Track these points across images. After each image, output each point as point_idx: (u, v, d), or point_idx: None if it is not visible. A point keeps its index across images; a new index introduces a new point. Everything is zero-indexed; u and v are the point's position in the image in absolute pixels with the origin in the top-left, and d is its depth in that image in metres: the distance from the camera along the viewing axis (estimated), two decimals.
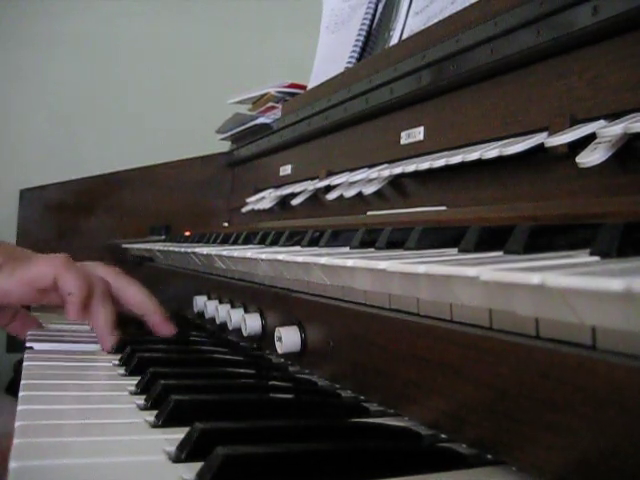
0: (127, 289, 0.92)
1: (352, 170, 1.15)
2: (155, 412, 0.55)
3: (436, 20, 0.99)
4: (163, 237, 1.70)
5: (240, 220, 1.74)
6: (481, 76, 0.85)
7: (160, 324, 0.92)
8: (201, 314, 1.03)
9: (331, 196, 1.15)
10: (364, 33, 1.35)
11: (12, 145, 2.34)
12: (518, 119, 0.79)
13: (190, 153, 1.94)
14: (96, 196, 1.91)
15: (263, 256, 0.72)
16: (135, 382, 0.67)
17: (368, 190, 1.04)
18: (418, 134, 0.98)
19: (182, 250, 1.11)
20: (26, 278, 0.84)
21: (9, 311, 0.96)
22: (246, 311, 0.88)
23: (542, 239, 0.47)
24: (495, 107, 0.83)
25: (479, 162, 0.79)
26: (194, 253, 1.04)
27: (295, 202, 1.30)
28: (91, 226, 1.88)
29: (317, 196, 1.27)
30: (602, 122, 0.66)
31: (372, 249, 0.65)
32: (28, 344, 0.86)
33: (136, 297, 0.92)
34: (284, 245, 0.84)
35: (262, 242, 0.93)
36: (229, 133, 1.78)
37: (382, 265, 0.49)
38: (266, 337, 0.82)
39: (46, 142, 2.36)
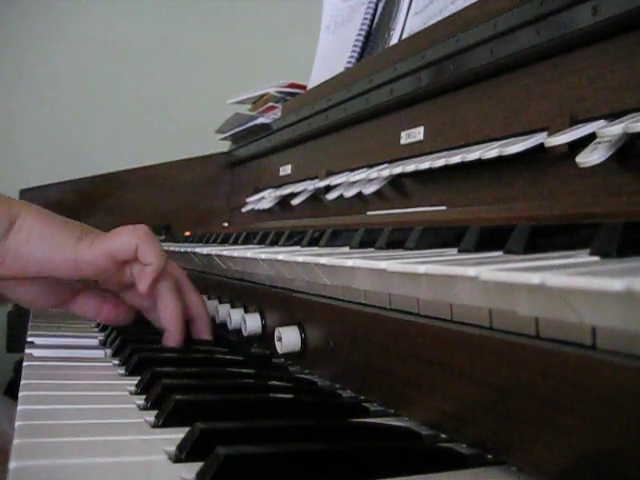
0: (190, 289, 0.89)
1: (352, 170, 1.15)
2: (155, 412, 0.55)
3: (436, 20, 0.99)
4: (163, 237, 1.70)
5: (240, 220, 1.74)
6: (481, 76, 0.85)
7: (206, 331, 0.90)
8: None
9: (331, 196, 1.15)
10: (364, 33, 1.35)
11: (12, 145, 2.34)
12: (518, 119, 0.79)
13: (190, 153, 1.94)
14: (96, 196, 1.91)
15: (263, 256, 0.72)
16: (135, 382, 0.67)
17: (368, 190, 1.04)
18: (418, 134, 0.98)
19: (182, 250, 1.11)
20: (107, 248, 0.80)
21: (94, 298, 0.89)
22: (246, 311, 0.88)
23: (542, 239, 0.47)
24: (495, 107, 0.83)
25: (479, 162, 0.79)
26: (194, 253, 1.04)
27: (295, 202, 1.30)
28: (91, 226, 1.88)
29: (317, 196, 1.27)
30: (602, 122, 0.66)
31: (372, 249, 0.65)
32: (27, 350, 0.85)
33: (196, 299, 0.89)
34: (284, 245, 0.84)
35: (262, 242, 0.93)
36: (229, 133, 1.78)
37: (382, 265, 0.49)
38: (266, 337, 0.82)
39: (46, 142, 2.36)
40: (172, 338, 0.85)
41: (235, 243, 1.04)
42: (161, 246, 0.84)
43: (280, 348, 0.71)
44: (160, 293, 0.84)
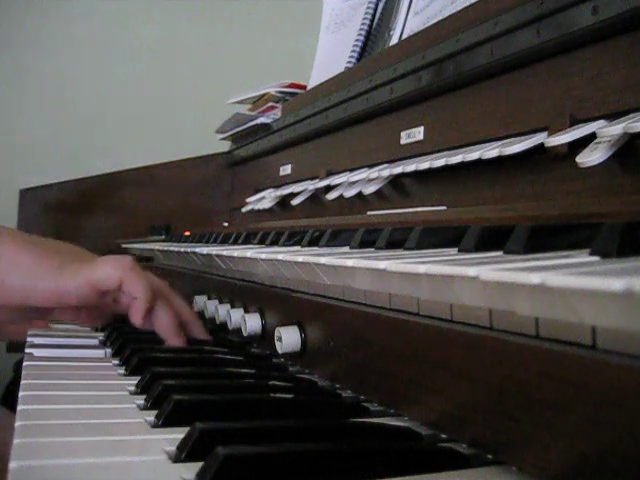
0: (174, 296, 0.91)
1: (352, 170, 1.15)
2: (155, 412, 0.55)
3: (436, 20, 0.99)
4: (163, 237, 1.70)
5: (240, 220, 1.74)
6: (481, 76, 0.85)
7: (201, 334, 0.91)
8: (201, 314, 1.03)
9: (331, 196, 1.15)
10: (364, 33, 1.35)
11: (12, 145, 2.34)
12: (518, 119, 0.79)
13: (190, 153, 1.93)
14: (96, 196, 1.91)
15: (263, 256, 0.72)
16: (135, 382, 0.67)
17: (368, 190, 1.04)
18: (418, 134, 0.98)
19: (182, 250, 1.11)
20: (92, 279, 0.81)
21: (69, 308, 0.90)
22: (246, 311, 0.88)
23: (542, 239, 0.47)
24: (495, 107, 0.83)
25: (479, 162, 0.79)
26: (194, 253, 1.04)
27: (295, 202, 1.30)
28: (91, 226, 1.88)
29: (317, 196, 1.27)
30: (602, 122, 0.66)
31: (372, 249, 0.65)
32: (27, 350, 0.86)
33: (182, 305, 0.91)
34: (284, 245, 0.84)
35: (262, 242, 0.93)
36: (229, 133, 1.78)
37: (382, 265, 0.49)
38: (266, 337, 0.82)
39: (46, 142, 2.36)
40: (173, 344, 0.86)
41: (235, 243, 1.04)
42: (146, 277, 0.85)
43: (280, 348, 0.71)
44: (153, 314, 0.86)
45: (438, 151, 0.92)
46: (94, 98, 2.42)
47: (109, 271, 0.82)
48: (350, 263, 0.54)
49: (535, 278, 0.34)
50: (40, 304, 0.82)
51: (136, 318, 0.83)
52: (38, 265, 0.80)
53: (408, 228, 0.63)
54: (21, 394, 0.62)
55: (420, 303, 0.53)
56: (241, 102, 1.71)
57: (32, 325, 1.00)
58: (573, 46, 0.72)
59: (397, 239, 0.63)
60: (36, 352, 0.83)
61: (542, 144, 0.72)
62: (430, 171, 0.89)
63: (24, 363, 0.77)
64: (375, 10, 1.36)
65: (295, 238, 0.84)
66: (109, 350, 0.87)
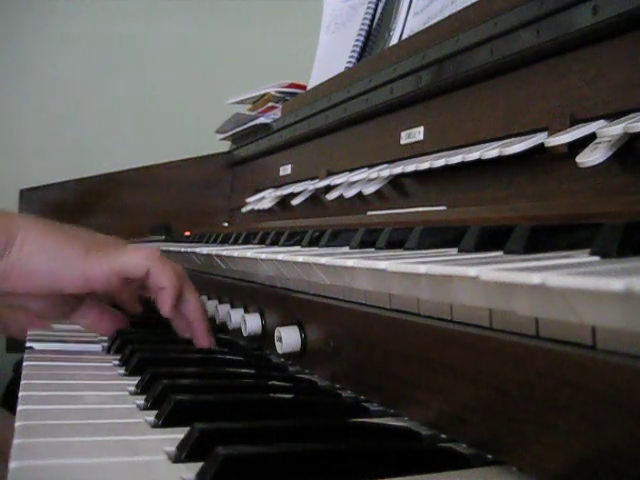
0: (192, 292, 0.88)
1: (352, 170, 1.15)
2: (155, 412, 0.55)
3: (436, 20, 0.99)
4: (163, 237, 1.70)
5: (240, 220, 1.74)
6: (481, 76, 0.85)
7: (204, 335, 0.88)
8: None
9: (331, 196, 1.15)
10: (364, 33, 1.35)
11: (12, 145, 2.34)
12: (518, 119, 0.79)
13: (190, 153, 1.93)
14: (96, 196, 1.91)
15: (263, 256, 0.72)
16: (135, 382, 0.67)
17: (368, 190, 1.04)
18: (418, 134, 0.98)
19: (182, 250, 1.11)
20: (119, 266, 0.80)
21: (94, 309, 0.89)
22: (246, 311, 0.88)
23: (542, 239, 0.47)
24: (495, 107, 0.83)
25: (479, 162, 0.79)
26: (194, 253, 1.04)
27: (295, 202, 1.30)
28: (91, 226, 1.88)
29: (317, 196, 1.27)
30: (602, 122, 0.66)
31: (372, 249, 0.65)
32: (28, 344, 0.86)
33: (196, 302, 0.88)
34: (284, 245, 0.84)
35: (262, 242, 0.93)
36: (229, 133, 1.78)
37: (382, 265, 0.49)
38: (266, 337, 0.82)
39: (46, 142, 2.36)
40: (202, 333, 0.85)
41: (235, 243, 1.04)
42: (172, 267, 0.84)
43: (280, 348, 0.71)
44: (181, 298, 0.85)
45: (438, 151, 0.92)
46: (94, 98, 2.42)
47: (137, 260, 0.81)
48: (350, 263, 0.54)
49: (535, 278, 0.34)
50: (66, 290, 0.81)
51: (165, 308, 0.82)
52: (63, 249, 0.79)
53: (408, 228, 0.63)
54: (21, 394, 0.62)
55: (420, 303, 0.53)
56: (241, 102, 1.71)
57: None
58: (573, 46, 0.72)
59: (397, 239, 0.63)
60: (37, 346, 0.83)
61: (542, 144, 0.72)
62: (430, 171, 0.89)
63: (24, 363, 0.77)
64: (375, 10, 1.36)
65: (295, 238, 0.84)
66: (106, 344, 0.88)
